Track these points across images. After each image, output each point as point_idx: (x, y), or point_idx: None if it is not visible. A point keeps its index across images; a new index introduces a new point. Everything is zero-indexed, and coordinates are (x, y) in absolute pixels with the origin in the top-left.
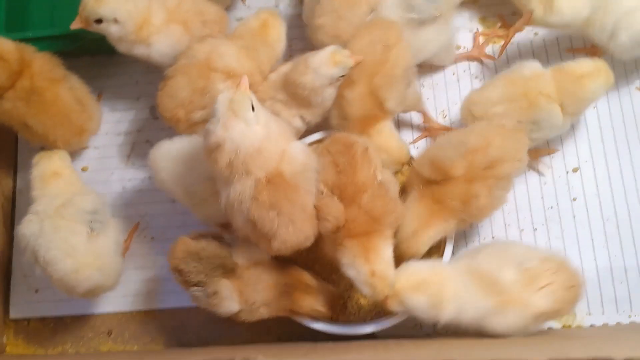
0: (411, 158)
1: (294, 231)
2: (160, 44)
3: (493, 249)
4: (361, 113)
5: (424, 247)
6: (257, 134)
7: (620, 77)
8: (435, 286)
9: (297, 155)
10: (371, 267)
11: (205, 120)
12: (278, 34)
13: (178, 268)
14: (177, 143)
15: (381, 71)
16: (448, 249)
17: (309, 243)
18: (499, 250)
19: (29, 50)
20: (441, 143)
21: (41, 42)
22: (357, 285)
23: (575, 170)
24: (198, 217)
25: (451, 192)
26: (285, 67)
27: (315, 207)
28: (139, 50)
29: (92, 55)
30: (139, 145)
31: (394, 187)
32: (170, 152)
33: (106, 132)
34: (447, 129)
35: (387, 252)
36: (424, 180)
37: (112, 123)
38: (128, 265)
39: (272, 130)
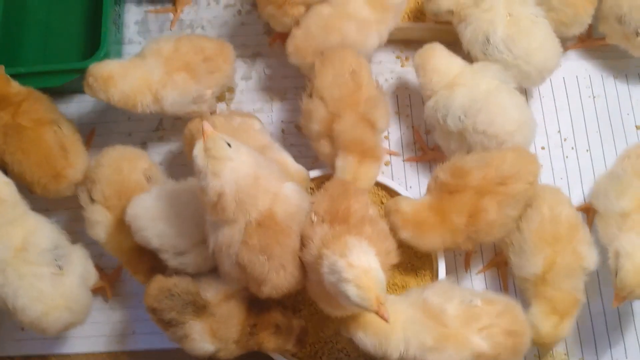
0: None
1: (285, 276)
2: (168, 97)
3: (442, 284)
4: (354, 139)
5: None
6: (246, 162)
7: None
8: (381, 324)
9: (292, 197)
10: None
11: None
12: None
13: (152, 306)
14: (150, 197)
15: (361, 98)
16: (441, 269)
17: (300, 287)
18: (448, 286)
19: (19, 87)
20: (464, 156)
21: (33, 78)
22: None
23: None
24: (192, 266)
25: (461, 204)
26: None
27: (301, 235)
28: (154, 109)
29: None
30: None
31: (385, 225)
32: (146, 208)
33: None
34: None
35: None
36: (440, 186)
37: None
38: (114, 305)
39: (263, 169)
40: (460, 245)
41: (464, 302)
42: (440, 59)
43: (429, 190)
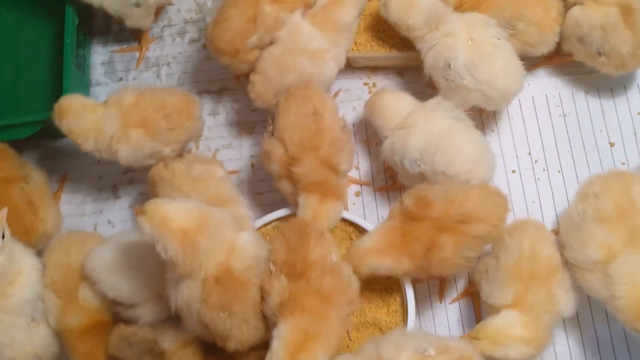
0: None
1: (248, 330)
2: (122, 152)
3: (396, 334)
4: (315, 183)
5: (367, 270)
6: (193, 217)
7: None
8: None
9: (248, 247)
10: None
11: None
12: None
13: (113, 355)
14: (108, 249)
15: (323, 141)
16: (411, 305)
17: (266, 339)
18: (402, 336)
19: None
20: (433, 184)
21: (1, 131)
22: None
23: None
24: (145, 318)
25: (420, 233)
26: None
27: (260, 288)
28: (111, 159)
29: (57, 138)
30: (101, 227)
31: (349, 272)
32: (103, 260)
33: (69, 214)
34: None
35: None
36: (403, 210)
37: (75, 204)
38: None
39: (215, 222)
40: (416, 274)
41: (417, 353)
42: (389, 103)
43: (392, 214)
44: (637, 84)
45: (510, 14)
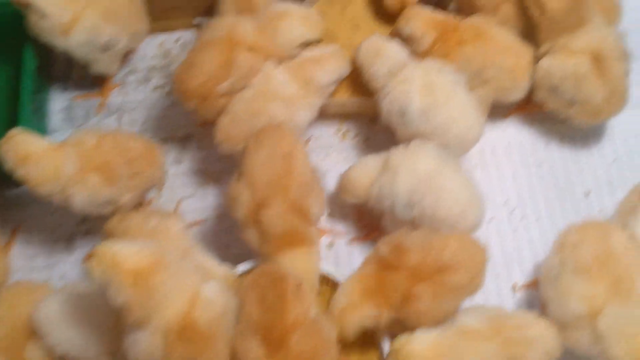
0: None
1: None
2: (76, 197)
3: None
4: (284, 230)
5: (353, 327)
6: (147, 260)
7: None
8: None
9: (214, 299)
10: None
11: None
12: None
13: None
14: (58, 300)
15: (293, 183)
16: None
17: None
18: None
19: None
20: (409, 231)
21: None
22: None
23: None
24: None
25: (397, 282)
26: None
27: (232, 349)
28: (64, 204)
29: (13, 187)
30: (53, 282)
31: (329, 327)
32: (53, 311)
33: (18, 268)
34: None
35: None
36: (378, 259)
37: (26, 258)
38: None
39: (173, 268)
40: (392, 327)
41: None
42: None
43: (366, 261)
44: (611, 133)
45: (479, 63)
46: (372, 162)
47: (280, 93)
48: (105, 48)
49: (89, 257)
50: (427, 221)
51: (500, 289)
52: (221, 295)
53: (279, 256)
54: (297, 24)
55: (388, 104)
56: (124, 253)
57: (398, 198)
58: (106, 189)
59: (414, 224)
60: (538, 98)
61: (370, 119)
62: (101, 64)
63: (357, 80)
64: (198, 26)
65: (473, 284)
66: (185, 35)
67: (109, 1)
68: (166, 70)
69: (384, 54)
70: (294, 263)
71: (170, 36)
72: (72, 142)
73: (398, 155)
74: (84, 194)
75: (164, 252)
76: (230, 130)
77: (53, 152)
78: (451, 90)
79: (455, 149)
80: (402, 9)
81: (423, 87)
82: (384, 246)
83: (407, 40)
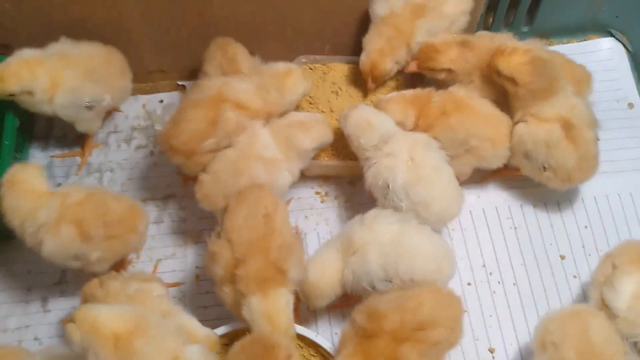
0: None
1: None
2: (46, 245)
3: None
4: (262, 277)
5: None
6: (127, 322)
7: None
8: None
9: None
10: None
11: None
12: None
13: None
14: None
15: (273, 244)
16: None
17: None
18: None
19: None
20: (382, 295)
21: None
22: None
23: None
24: None
25: (381, 348)
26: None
27: None
28: (33, 248)
29: None
30: (26, 344)
31: None
32: None
33: None
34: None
35: None
36: (357, 329)
37: None
38: None
39: (154, 330)
40: None
41: None
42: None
43: (345, 337)
44: (582, 198)
45: (462, 133)
46: (328, 256)
47: (263, 154)
48: (90, 106)
49: (68, 320)
50: (408, 285)
51: (479, 352)
52: (203, 358)
53: (257, 296)
54: (301, 80)
55: (372, 177)
56: (104, 317)
57: (374, 276)
58: (77, 244)
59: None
60: (513, 163)
61: (349, 181)
62: (85, 122)
63: (337, 144)
64: (182, 87)
65: (453, 336)
66: (169, 97)
67: (87, 60)
68: (148, 131)
69: (373, 125)
70: (272, 302)
71: (154, 97)
72: (60, 192)
73: (358, 233)
74: (55, 243)
75: (144, 316)
76: (211, 188)
77: (36, 194)
78: (435, 167)
79: (433, 224)
80: (375, 79)
81: (408, 163)
82: (359, 315)
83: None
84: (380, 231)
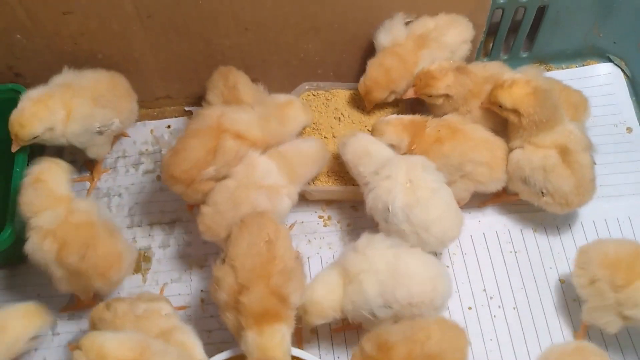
0: None
1: None
2: (29, 245)
3: None
4: (260, 311)
5: None
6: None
7: None
8: None
9: None
10: None
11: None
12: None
13: None
14: None
15: (274, 270)
16: None
17: None
18: None
19: None
20: (390, 326)
21: None
22: None
23: None
24: None
25: None
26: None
27: None
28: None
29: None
30: None
31: None
32: None
33: None
34: None
35: None
36: (365, 356)
37: None
38: None
39: (155, 353)
40: None
41: None
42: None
43: None
44: (581, 222)
45: (457, 158)
46: (331, 279)
47: (262, 182)
48: (100, 131)
49: (75, 347)
50: (407, 310)
51: None
52: None
53: (253, 332)
54: (301, 111)
55: (372, 200)
56: (110, 345)
57: (373, 304)
58: (51, 260)
59: (395, 317)
60: (512, 189)
61: (352, 205)
62: (95, 149)
63: (340, 169)
64: (189, 113)
65: None
66: (176, 122)
67: (93, 87)
68: (156, 156)
69: (371, 154)
70: (267, 338)
71: (162, 123)
72: (72, 205)
73: (352, 261)
74: (34, 247)
75: (148, 342)
76: (212, 220)
77: (52, 198)
78: (433, 189)
79: (433, 246)
80: (370, 102)
81: (406, 185)
82: (368, 344)
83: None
84: (374, 258)
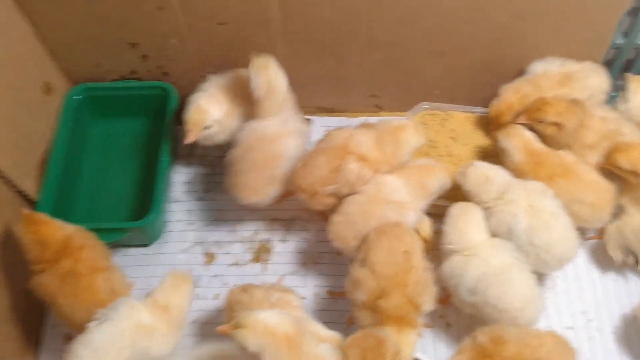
0: None
1: None
2: None
3: None
4: (396, 317)
5: None
6: (283, 326)
7: None
8: None
9: (327, 357)
10: None
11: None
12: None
13: None
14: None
15: (410, 280)
16: None
17: None
18: None
19: (82, 236)
20: (506, 325)
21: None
22: None
23: None
24: None
25: None
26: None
27: None
28: None
29: (129, 246)
30: None
31: None
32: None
33: None
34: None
35: None
36: (476, 346)
37: None
38: None
39: (305, 327)
40: None
41: None
42: (469, 220)
43: (463, 349)
44: None
45: (567, 197)
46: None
47: (393, 197)
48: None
49: (234, 326)
50: (487, 309)
51: None
52: (332, 356)
53: (387, 328)
54: (413, 135)
55: (496, 224)
56: (274, 321)
57: (464, 281)
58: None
59: (474, 307)
60: (611, 254)
61: None
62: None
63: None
64: (307, 121)
65: None
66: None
67: (234, 86)
68: None
69: (492, 179)
70: (399, 335)
71: None
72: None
73: (483, 245)
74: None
75: (296, 320)
76: (343, 229)
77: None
78: (553, 213)
79: (553, 266)
80: (497, 125)
81: (528, 209)
82: (482, 336)
83: (500, 152)
84: (495, 254)
